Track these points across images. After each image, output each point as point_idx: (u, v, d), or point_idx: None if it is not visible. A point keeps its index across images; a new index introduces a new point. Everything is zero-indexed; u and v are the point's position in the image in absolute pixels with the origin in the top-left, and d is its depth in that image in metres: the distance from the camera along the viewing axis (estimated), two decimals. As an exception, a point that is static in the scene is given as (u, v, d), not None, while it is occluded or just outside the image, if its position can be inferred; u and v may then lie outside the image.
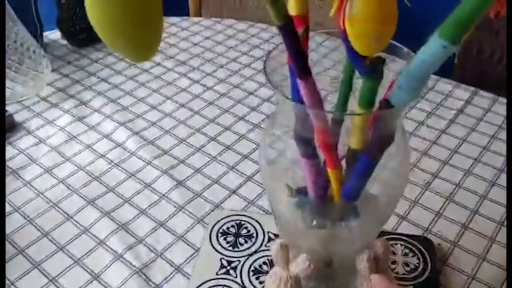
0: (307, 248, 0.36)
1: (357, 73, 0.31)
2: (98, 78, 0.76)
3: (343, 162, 0.34)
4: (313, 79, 0.29)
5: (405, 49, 0.32)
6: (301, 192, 0.37)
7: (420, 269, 0.47)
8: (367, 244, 0.36)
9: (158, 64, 0.79)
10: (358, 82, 0.32)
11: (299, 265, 0.35)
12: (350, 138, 0.32)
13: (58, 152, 0.62)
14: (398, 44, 0.31)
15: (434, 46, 0.26)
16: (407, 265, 0.47)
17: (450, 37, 0.24)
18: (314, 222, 0.36)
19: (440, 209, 0.54)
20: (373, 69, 0.27)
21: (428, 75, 0.28)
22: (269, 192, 0.39)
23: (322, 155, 0.33)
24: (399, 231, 0.51)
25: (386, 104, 0.29)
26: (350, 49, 0.27)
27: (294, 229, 0.37)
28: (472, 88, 0.71)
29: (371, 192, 0.36)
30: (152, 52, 0.23)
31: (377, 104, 0.30)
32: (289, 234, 0.39)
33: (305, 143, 0.33)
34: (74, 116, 0.68)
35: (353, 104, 0.33)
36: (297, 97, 0.31)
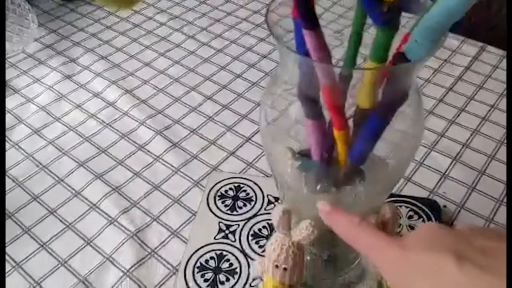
0: (310, 214, 0.34)
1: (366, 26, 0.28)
2: (87, 33, 0.72)
3: (350, 123, 0.31)
4: (321, 30, 0.26)
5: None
6: (305, 155, 0.34)
7: (425, 232, 0.45)
8: (374, 209, 0.34)
9: (150, 18, 0.75)
10: (367, 37, 0.29)
11: (302, 231, 0.33)
12: (359, 97, 0.29)
13: (47, 111, 0.60)
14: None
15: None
16: (412, 228, 0.46)
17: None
18: (318, 187, 0.34)
19: (446, 170, 0.52)
20: (389, 17, 0.24)
21: (449, 26, 0.25)
22: (270, 156, 0.36)
23: (327, 115, 0.31)
24: (403, 193, 0.49)
25: (402, 58, 0.26)
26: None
27: (297, 194, 0.35)
28: (480, 44, 0.68)
29: (379, 155, 0.33)
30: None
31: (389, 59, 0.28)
32: (291, 200, 0.36)
33: (310, 102, 0.30)
34: (63, 74, 0.65)
35: (359, 61, 0.30)
36: (302, 50, 0.28)
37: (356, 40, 0.29)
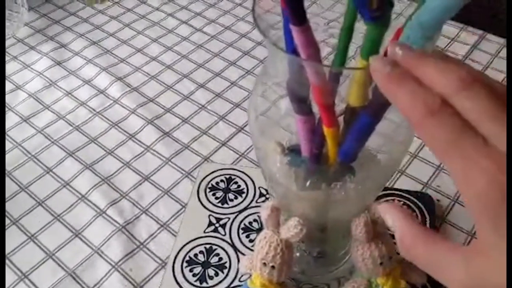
0: (299, 211, 0.33)
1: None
2: (78, 18, 0.71)
3: (341, 119, 0.30)
4: (309, 26, 0.25)
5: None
6: (294, 150, 0.34)
7: (418, 227, 0.45)
8: (364, 208, 0.33)
9: (143, 2, 0.73)
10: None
11: (291, 229, 0.32)
12: (349, 94, 0.28)
13: (36, 99, 0.58)
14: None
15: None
16: (405, 222, 0.45)
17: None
18: (308, 183, 0.33)
19: (441, 163, 0.51)
20: (380, 14, 0.23)
21: (444, 22, 0.24)
22: (259, 150, 0.35)
23: (317, 110, 0.30)
24: (396, 186, 0.48)
25: (393, 56, 0.25)
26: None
27: (286, 191, 0.34)
28: (480, 31, 0.67)
29: (371, 151, 0.32)
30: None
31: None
32: (280, 197, 0.36)
33: (299, 100, 0.29)
34: (53, 60, 0.63)
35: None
36: (290, 47, 0.27)
37: (347, 35, 0.28)
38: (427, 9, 0.23)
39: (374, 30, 0.24)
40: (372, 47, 0.25)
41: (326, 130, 0.30)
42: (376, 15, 0.23)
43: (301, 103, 0.29)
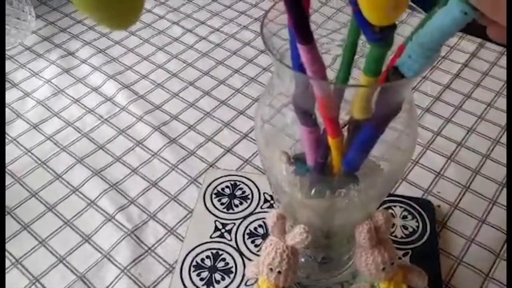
0: (304, 219, 0.35)
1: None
2: (85, 25, 0.72)
3: (345, 129, 0.32)
4: (315, 45, 0.26)
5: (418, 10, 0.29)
6: (299, 159, 0.35)
7: (418, 232, 0.46)
8: (368, 215, 0.34)
9: (149, 11, 0.74)
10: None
11: (296, 236, 0.34)
12: (353, 108, 0.29)
13: (45, 106, 0.60)
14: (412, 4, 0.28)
15: (451, 11, 0.23)
16: (406, 228, 0.46)
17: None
18: (313, 192, 0.34)
19: (441, 169, 0.52)
20: (383, 35, 0.24)
21: (443, 43, 0.25)
22: (265, 159, 0.37)
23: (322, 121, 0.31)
24: (398, 192, 0.50)
25: (395, 72, 0.26)
26: (358, 13, 0.24)
27: (291, 199, 0.36)
28: (479, 40, 0.68)
29: (374, 161, 0.34)
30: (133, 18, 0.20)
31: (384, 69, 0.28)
32: (286, 205, 0.37)
33: (305, 113, 0.30)
34: (61, 68, 0.65)
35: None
36: (296, 63, 0.28)
37: (351, 51, 0.29)
38: (427, 31, 0.25)
39: (377, 49, 0.26)
40: (375, 65, 0.27)
41: (331, 141, 0.31)
42: (379, 37, 0.24)
43: (306, 116, 0.31)
